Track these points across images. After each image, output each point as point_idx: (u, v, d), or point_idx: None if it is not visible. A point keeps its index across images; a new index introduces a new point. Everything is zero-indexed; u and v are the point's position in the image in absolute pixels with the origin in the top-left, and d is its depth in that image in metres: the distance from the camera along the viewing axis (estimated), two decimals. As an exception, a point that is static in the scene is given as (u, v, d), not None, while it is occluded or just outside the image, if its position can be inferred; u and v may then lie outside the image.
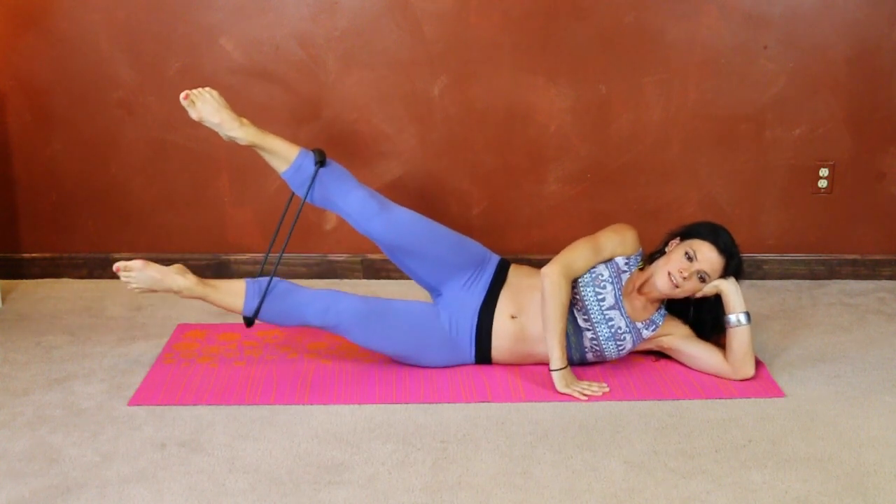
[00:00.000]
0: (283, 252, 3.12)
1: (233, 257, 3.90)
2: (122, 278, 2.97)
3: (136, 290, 2.97)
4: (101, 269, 3.89)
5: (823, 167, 3.84)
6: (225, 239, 3.89)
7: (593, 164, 3.82)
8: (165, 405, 2.85)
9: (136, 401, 2.88)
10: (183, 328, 3.41)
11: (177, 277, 2.95)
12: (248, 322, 2.97)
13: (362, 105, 3.74)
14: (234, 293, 2.97)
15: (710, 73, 3.72)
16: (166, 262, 3.85)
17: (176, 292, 2.96)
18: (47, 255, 3.88)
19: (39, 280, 3.87)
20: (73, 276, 3.89)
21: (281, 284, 2.99)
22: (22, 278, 3.87)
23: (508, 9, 3.64)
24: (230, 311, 3.00)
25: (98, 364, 3.13)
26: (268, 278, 2.97)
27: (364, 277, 3.92)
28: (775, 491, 2.44)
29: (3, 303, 3.63)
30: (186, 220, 3.87)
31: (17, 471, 2.50)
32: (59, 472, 2.50)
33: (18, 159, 3.78)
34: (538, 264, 3.23)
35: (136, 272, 2.94)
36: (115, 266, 2.96)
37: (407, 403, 2.88)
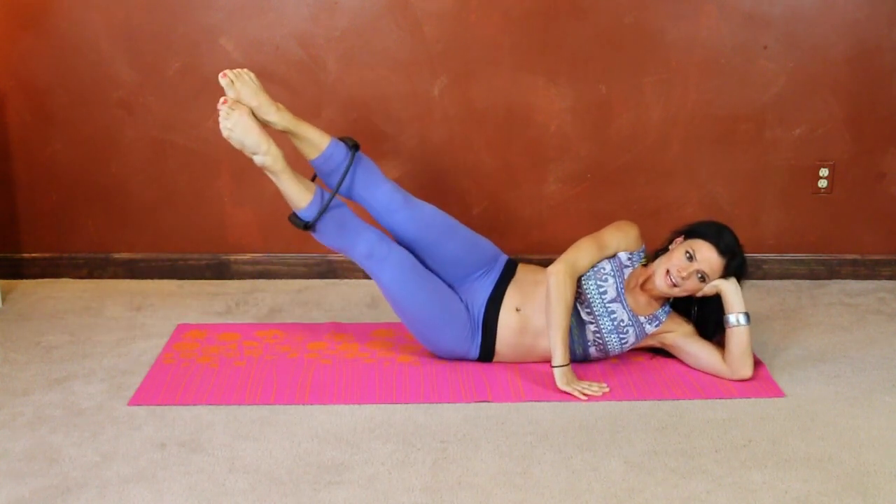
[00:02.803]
0: (335, 192, 3.07)
1: (233, 257, 3.90)
2: (221, 114, 2.91)
3: (226, 131, 2.92)
4: (101, 269, 3.89)
5: (823, 167, 3.84)
6: (225, 239, 3.89)
7: (593, 164, 3.82)
8: (165, 405, 2.86)
9: (136, 401, 2.88)
10: (183, 328, 3.41)
11: (271, 142, 2.93)
12: (306, 226, 2.97)
13: (362, 105, 3.74)
14: (307, 189, 2.97)
15: (710, 73, 3.72)
16: (166, 262, 3.87)
17: (261, 154, 2.93)
18: (47, 255, 3.88)
19: (39, 280, 3.86)
20: (73, 276, 3.89)
21: (345, 208, 3.03)
22: (22, 278, 3.87)
23: (508, 9, 3.64)
24: (292, 203, 2.99)
25: (98, 364, 3.13)
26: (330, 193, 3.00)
27: (364, 277, 3.92)
28: (775, 491, 2.44)
29: (3, 303, 3.63)
30: (186, 220, 3.86)
31: (17, 471, 2.50)
32: (59, 472, 2.50)
33: (18, 159, 3.78)
34: (538, 264, 3.24)
35: (238, 112, 2.91)
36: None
37: (407, 403, 2.88)
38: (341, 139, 3.11)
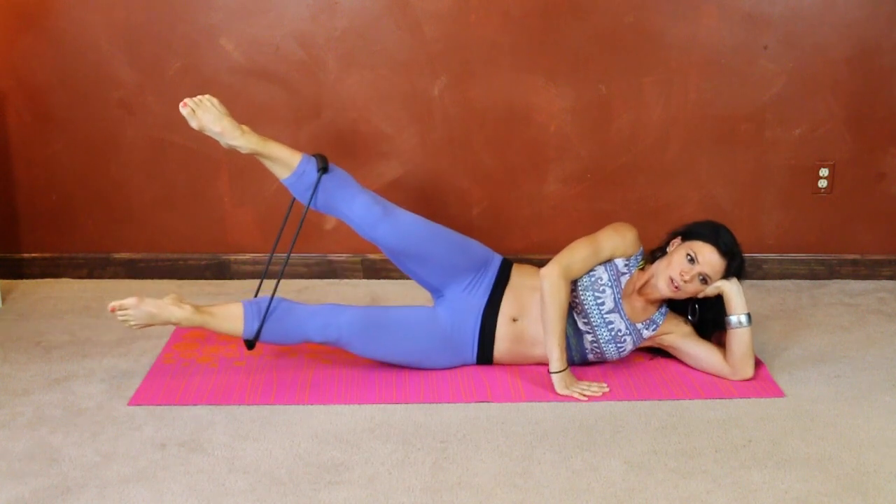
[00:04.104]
0: (284, 266, 3.09)
1: (233, 257, 3.90)
2: (119, 317, 2.92)
3: (135, 327, 2.94)
4: (101, 269, 3.89)
5: (823, 167, 3.84)
6: (225, 239, 3.89)
7: (593, 164, 3.82)
8: (165, 405, 2.85)
9: (136, 401, 2.88)
10: (183, 328, 3.41)
11: (173, 309, 2.92)
12: (250, 345, 2.96)
13: (362, 105, 3.74)
14: (232, 318, 2.94)
15: (710, 73, 3.72)
16: (166, 262, 3.87)
17: (174, 324, 2.94)
18: (47, 255, 3.88)
19: (39, 280, 3.86)
20: (73, 276, 3.89)
21: (280, 305, 2.97)
22: (22, 278, 3.87)
23: (508, 9, 3.64)
24: (230, 335, 2.98)
25: (98, 364, 3.13)
26: (266, 298, 2.96)
27: (364, 277, 3.92)
28: (775, 491, 2.44)
29: (3, 303, 3.63)
30: (186, 220, 3.86)
31: (17, 471, 2.50)
32: (59, 472, 2.50)
33: (18, 159, 3.78)
34: (538, 264, 3.23)
35: (132, 310, 2.91)
36: (110, 307, 2.92)
37: (407, 403, 2.88)
38: (312, 156, 3.02)
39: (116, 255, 3.89)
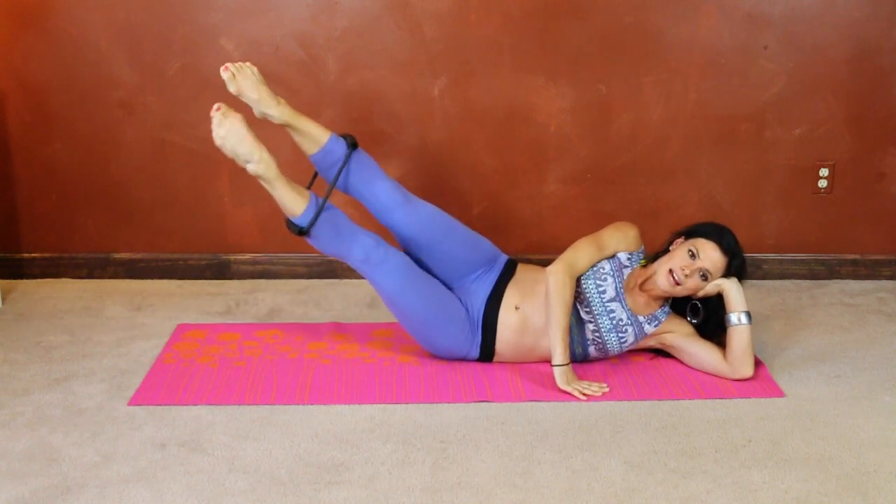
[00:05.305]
0: (327, 197, 3.05)
1: (233, 257, 3.90)
2: (214, 122, 2.87)
3: (217, 137, 2.88)
4: (101, 269, 3.88)
5: (823, 167, 3.84)
6: (225, 239, 3.89)
7: (593, 164, 3.82)
8: (165, 405, 2.86)
9: (136, 401, 2.88)
10: (183, 328, 3.41)
11: (263, 150, 2.90)
12: (301, 232, 2.94)
13: (362, 105, 3.74)
14: (300, 195, 2.94)
15: (710, 73, 3.72)
16: (166, 262, 3.87)
17: (254, 162, 2.89)
18: (47, 255, 3.88)
19: (39, 280, 3.86)
20: (73, 276, 3.89)
21: (337, 211, 3.01)
22: (22, 278, 3.87)
23: (508, 9, 3.64)
24: (286, 210, 2.96)
25: (98, 364, 3.13)
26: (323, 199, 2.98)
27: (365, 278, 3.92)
28: (775, 491, 2.44)
29: (3, 303, 3.63)
30: (186, 220, 3.86)
31: (17, 471, 2.50)
32: (59, 472, 2.50)
33: (18, 159, 3.78)
34: (538, 264, 3.24)
35: (231, 119, 2.87)
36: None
37: (407, 403, 2.88)
38: (341, 136, 3.13)
39: (116, 255, 3.89)
